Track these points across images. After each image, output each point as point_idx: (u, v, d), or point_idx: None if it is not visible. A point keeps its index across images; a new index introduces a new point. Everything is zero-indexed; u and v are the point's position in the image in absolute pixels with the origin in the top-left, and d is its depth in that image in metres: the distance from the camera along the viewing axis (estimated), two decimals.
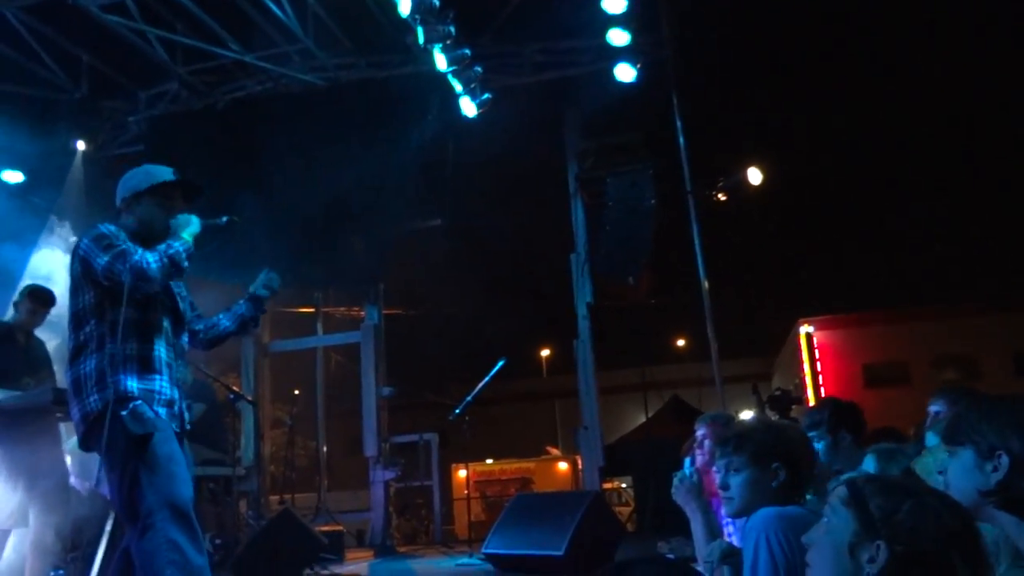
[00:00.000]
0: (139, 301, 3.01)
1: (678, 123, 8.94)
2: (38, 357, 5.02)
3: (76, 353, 3.01)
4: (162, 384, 3.02)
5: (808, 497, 2.29)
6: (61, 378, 5.11)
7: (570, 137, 9.31)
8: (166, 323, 3.12)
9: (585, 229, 9.04)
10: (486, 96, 8.30)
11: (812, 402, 18.03)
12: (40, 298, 5.04)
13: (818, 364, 20.36)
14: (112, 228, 3.06)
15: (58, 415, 4.68)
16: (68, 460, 4.98)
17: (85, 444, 3.01)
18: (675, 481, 2.79)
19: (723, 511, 2.74)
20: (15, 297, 5.07)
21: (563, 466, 11.47)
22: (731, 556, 2.32)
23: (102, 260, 2.94)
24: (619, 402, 18.96)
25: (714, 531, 2.79)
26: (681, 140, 8.87)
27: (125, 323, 2.96)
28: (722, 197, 9.38)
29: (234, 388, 7.13)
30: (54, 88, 8.36)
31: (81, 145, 8.43)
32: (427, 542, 9.27)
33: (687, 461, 2.92)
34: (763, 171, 9.48)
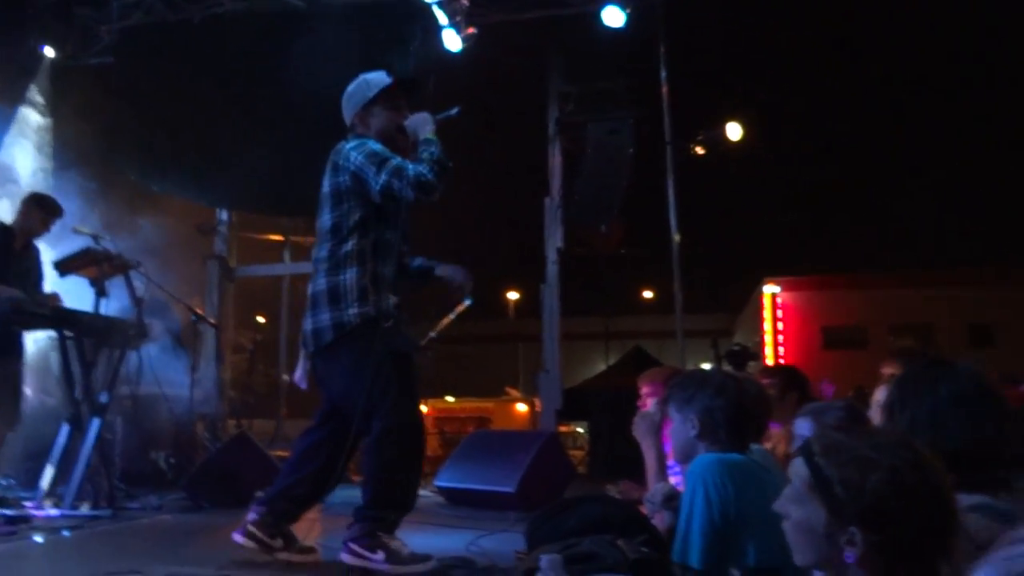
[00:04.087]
0: (393, 221, 3.18)
1: (663, 73, 8.85)
2: (30, 267, 4.94)
3: (336, 262, 3.16)
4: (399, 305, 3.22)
5: (754, 447, 2.36)
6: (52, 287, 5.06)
7: (553, 80, 9.17)
8: (402, 242, 3.28)
9: (561, 174, 8.97)
10: (471, 30, 8.12)
11: (770, 360, 18.38)
12: (49, 207, 4.95)
13: (779, 324, 20.68)
14: (378, 145, 3.17)
15: (16, 326, 4.62)
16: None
17: (326, 351, 3.19)
18: (637, 417, 2.87)
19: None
20: (20, 206, 4.96)
21: (522, 408, 11.62)
22: (672, 499, 2.39)
23: (381, 179, 3.06)
24: (582, 349, 19.16)
25: (665, 470, 2.86)
26: (664, 91, 8.79)
27: (385, 244, 3.18)
28: (700, 151, 9.37)
29: (197, 310, 7.07)
30: None
31: (49, 52, 8.13)
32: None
33: (654, 401, 2.99)
34: (743, 128, 9.47)
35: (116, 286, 5.00)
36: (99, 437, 4.57)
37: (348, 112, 3.37)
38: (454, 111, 3.33)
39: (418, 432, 3.19)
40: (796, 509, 1.36)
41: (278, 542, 3.24)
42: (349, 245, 3.15)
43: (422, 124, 3.22)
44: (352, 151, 3.17)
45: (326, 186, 3.27)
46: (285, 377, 10.94)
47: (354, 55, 8.33)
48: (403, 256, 3.36)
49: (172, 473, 6.01)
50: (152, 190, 8.56)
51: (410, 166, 3.07)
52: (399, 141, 3.27)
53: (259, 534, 3.22)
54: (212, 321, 7.77)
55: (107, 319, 4.75)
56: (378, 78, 3.35)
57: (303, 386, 3.44)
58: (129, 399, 5.65)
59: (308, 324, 3.25)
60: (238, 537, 3.24)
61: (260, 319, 15.14)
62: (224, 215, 9.65)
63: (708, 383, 2.34)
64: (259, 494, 5.60)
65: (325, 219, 3.25)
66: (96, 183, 7.18)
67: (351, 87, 3.39)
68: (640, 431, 2.82)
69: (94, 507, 4.45)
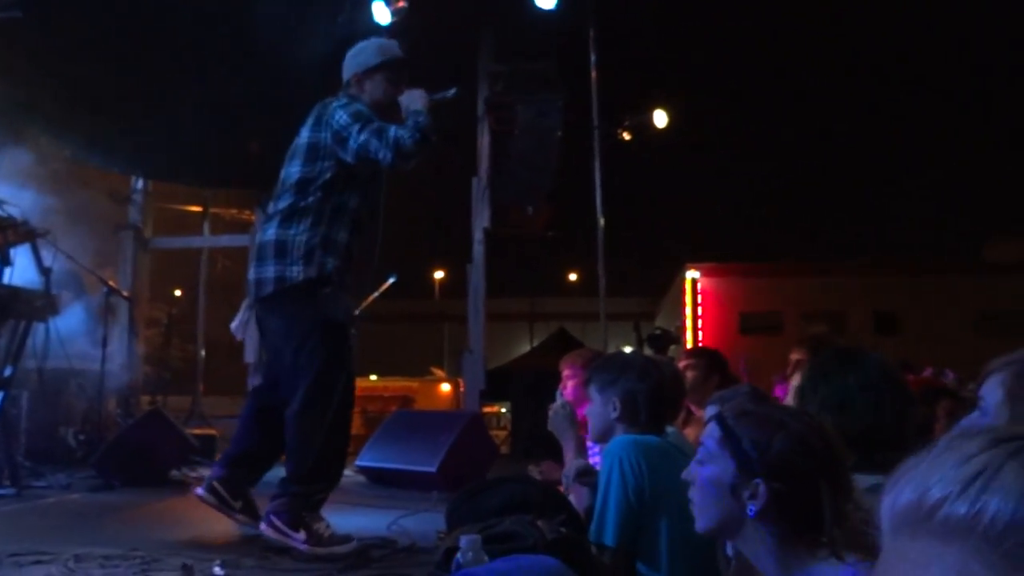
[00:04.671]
0: (363, 189, 3.16)
1: (592, 57, 8.91)
2: None
3: (290, 216, 3.12)
4: (348, 271, 3.22)
5: (669, 430, 2.42)
6: None
7: (483, 58, 9.12)
8: (365, 212, 3.28)
9: (489, 154, 8.96)
10: (402, 3, 8.00)
11: (690, 344, 18.84)
12: None
13: (699, 308, 21.20)
14: (366, 108, 3.14)
15: None
16: None
17: (267, 302, 3.17)
18: (551, 412, 2.86)
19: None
20: None
21: (446, 387, 11.64)
22: (587, 475, 2.44)
23: (361, 137, 3.02)
24: (507, 329, 19.26)
25: (585, 457, 2.89)
26: (593, 74, 8.86)
27: (345, 209, 3.12)
28: (626, 136, 9.49)
29: (110, 282, 6.82)
30: None
31: None
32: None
33: (557, 392, 2.98)
34: (669, 115, 9.63)
35: (22, 255, 4.78)
36: (2, 412, 4.38)
37: (349, 70, 3.35)
38: (451, 92, 3.32)
39: (339, 405, 3.16)
40: (705, 468, 1.43)
41: (239, 503, 3.23)
42: (308, 202, 3.12)
43: (415, 100, 3.20)
44: (339, 108, 3.15)
45: (304, 136, 3.25)
46: (202, 352, 10.67)
47: (280, 23, 8.11)
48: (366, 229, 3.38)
49: (82, 450, 5.81)
50: (64, 154, 8.19)
51: (392, 128, 3.06)
52: (389, 114, 3.26)
53: (222, 491, 3.20)
54: (125, 294, 7.51)
55: (11, 289, 4.53)
56: (389, 47, 3.37)
57: (239, 336, 3.44)
58: (36, 373, 5.43)
59: (252, 274, 3.24)
60: (200, 491, 3.21)
61: (176, 292, 14.70)
62: (139, 183, 9.31)
63: (631, 367, 2.38)
64: (173, 472, 5.50)
65: (293, 171, 3.21)
66: (1, 145, 6.83)
67: (361, 44, 3.37)
68: (556, 426, 2.80)
69: None
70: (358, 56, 3.34)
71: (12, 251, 4.56)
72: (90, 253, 6.58)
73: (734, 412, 1.44)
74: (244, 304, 3.39)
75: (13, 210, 4.68)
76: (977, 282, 21.41)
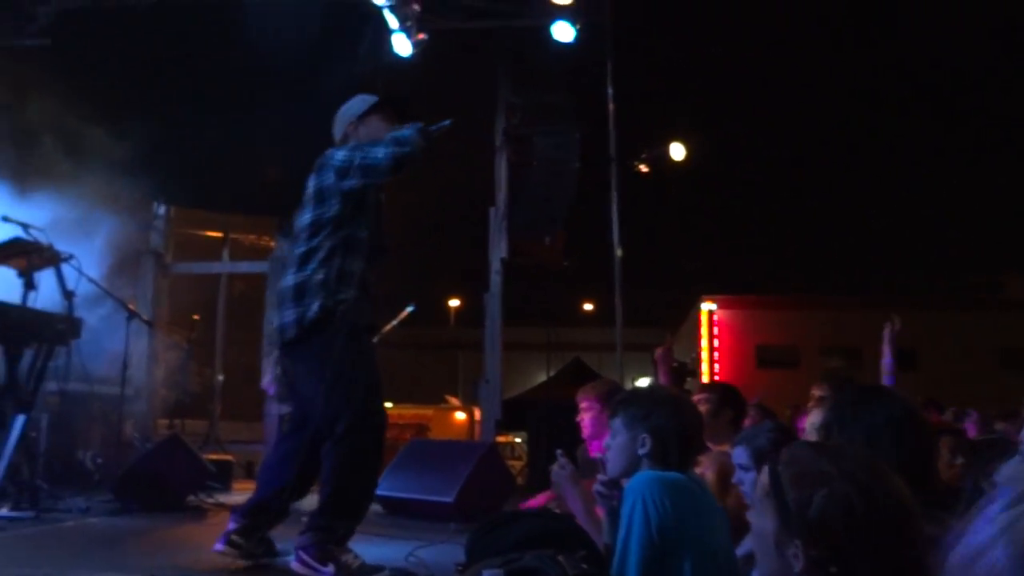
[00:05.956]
0: (364, 219, 3.28)
1: (610, 90, 8.98)
2: None
3: (305, 258, 3.24)
4: (368, 304, 3.34)
5: None
6: None
7: (501, 91, 9.21)
8: (370, 242, 3.37)
9: (507, 184, 9.01)
10: (422, 36, 8.11)
11: (706, 377, 18.71)
12: None
13: (715, 341, 21.10)
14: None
15: None
16: None
17: (292, 348, 3.26)
18: (552, 474, 2.75)
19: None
20: None
21: (460, 416, 11.62)
22: (614, 487, 2.35)
23: (360, 158, 3.20)
24: (523, 359, 19.22)
25: (593, 514, 2.68)
26: (611, 107, 8.92)
27: (356, 241, 3.25)
28: (644, 169, 9.52)
29: (130, 306, 6.87)
30: None
31: None
32: (318, 480, 9.21)
33: (558, 452, 2.85)
34: (686, 148, 9.66)
35: (46, 278, 4.84)
36: (23, 435, 4.41)
37: (341, 125, 3.51)
38: (446, 123, 3.38)
39: (375, 432, 3.22)
40: (756, 517, 1.36)
41: (260, 548, 3.31)
42: (319, 240, 3.24)
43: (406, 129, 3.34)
44: (338, 151, 3.33)
45: (310, 187, 3.38)
46: (220, 377, 10.71)
47: (303, 53, 8.23)
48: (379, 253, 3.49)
49: (99, 474, 5.82)
50: (88, 179, 8.30)
51: (364, 152, 3.25)
52: None
53: (241, 542, 3.25)
54: (145, 318, 7.56)
55: (35, 312, 4.59)
56: (371, 96, 3.53)
57: (271, 392, 3.52)
58: (56, 395, 5.47)
59: (276, 320, 3.34)
60: (219, 547, 3.25)
61: (195, 316, 14.77)
62: (161, 209, 9.42)
63: (664, 403, 2.33)
64: (190, 497, 5.51)
65: (305, 217, 3.35)
66: (30, 169, 6.94)
67: (346, 105, 3.54)
68: (558, 486, 2.71)
69: (16, 508, 4.28)
70: (347, 112, 3.52)
71: (36, 275, 4.62)
72: (111, 277, 6.65)
73: (786, 458, 1.33)
74: (271, 360, 3.50)
75: (38, 234, 4.75)
76: (998, 318, 21.19)
